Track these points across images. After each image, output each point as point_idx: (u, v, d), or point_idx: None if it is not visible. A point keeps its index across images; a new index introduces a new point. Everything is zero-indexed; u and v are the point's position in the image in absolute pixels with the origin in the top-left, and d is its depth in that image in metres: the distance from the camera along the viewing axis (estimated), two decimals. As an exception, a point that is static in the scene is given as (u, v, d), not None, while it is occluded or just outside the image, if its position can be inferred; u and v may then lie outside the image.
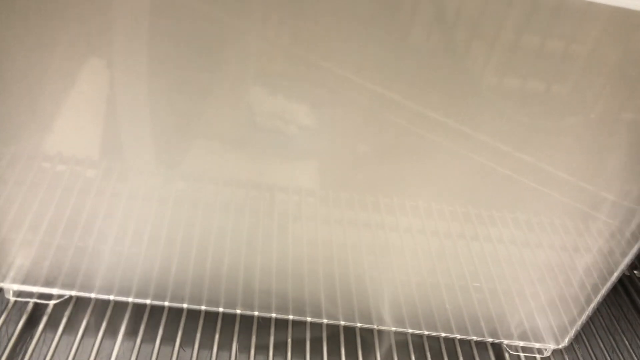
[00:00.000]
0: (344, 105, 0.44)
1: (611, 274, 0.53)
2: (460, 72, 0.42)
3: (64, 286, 0.57)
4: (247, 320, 0.59)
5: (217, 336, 0.57)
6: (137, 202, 0.50)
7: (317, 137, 0.45)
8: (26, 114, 0.45)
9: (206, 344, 0.56)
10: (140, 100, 0.44)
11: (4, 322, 0.55)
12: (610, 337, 0.65)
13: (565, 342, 0.60)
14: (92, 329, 0.56)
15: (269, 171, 0.48)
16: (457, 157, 0.46)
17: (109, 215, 0.51)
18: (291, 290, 0.57)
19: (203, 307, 0.58)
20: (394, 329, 0.60)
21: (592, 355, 0.62)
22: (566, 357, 0.62)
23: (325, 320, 0.60)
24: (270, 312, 0.59)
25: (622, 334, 0.65)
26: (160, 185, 0.49)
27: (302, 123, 0.45)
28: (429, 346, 0.60)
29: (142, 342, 0.55)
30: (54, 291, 0.57)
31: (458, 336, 0.61)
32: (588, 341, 0.64)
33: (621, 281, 0.72)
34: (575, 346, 0.63)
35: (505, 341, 0.61)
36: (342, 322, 0.60)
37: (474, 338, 0.61)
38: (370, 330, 0.60)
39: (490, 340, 0.61)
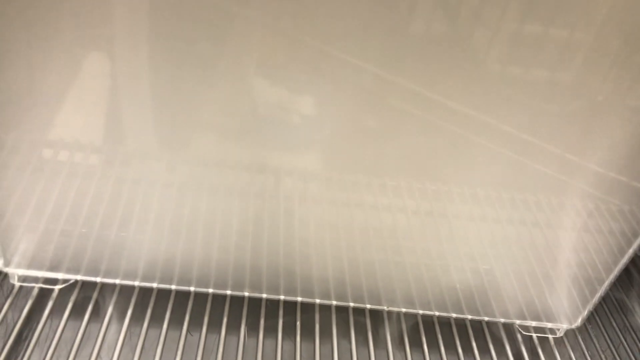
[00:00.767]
0: (346, 89, 0.43)
1: (623, 254, 0.52)
2: (465, 55, 0.41)
3: (69, 271, 0.56)
4: (255, 302, 0.59)
5: (225, 319, 0.57)
6: (141, 186, 0.49)
7: (321, 121, 0.45)
8: (28, 100, 0.44)
9: (214, 327, 0.56)
10: (143, 86, 0.43)
11: (10, 307, 0.55)
12: (624, 317, 0.64)
13: (578, 322, 0.59)
14: (98, 314, 0.55)
15: (273, 155, 0.47)
16: (462, 140, 0.45)
17: (113, 200, 0.50)
18: (299, 272, 0.56)
19: (210, 290, 0.58)
20: (404, 310, 0.59)
21: (605, 335, 0.62)
22: (579, 337, 0.61)
23: (334, 302, 0.59)
24: (279, 294, 0.58)
25: (634, 314, 0.65)
26: (165, 169, 0.48)
27: (304, 108, 0.44)
28: (440, 327, 0.60)
29: (149, 326, 0.55)
30: (59, 276, 0.57)
31: (469, 317, 0.60)
32: (601, 321, 0.63)
33: (633, 262, 0.71)
34: (588, 326, 0.62)
35: (518, 321, 0.60)
36: (352, 304, 0.59)
37: (485, 318, 0.60)
38: (380, 312, 0.60)
39: (502, 320, 0.60)
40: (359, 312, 0.60)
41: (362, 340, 0.57)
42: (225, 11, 0.39)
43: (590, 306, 0.57)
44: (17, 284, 0.56)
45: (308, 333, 0.57)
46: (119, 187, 0.49)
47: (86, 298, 0.56)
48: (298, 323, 0.57)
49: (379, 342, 0.57)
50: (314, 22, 0.40)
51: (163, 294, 0.58)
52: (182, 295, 0.58)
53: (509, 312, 0.59)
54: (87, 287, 0.57)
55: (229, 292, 0.58)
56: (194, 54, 0.41)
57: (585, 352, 0.60)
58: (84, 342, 0.53)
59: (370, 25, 0.39)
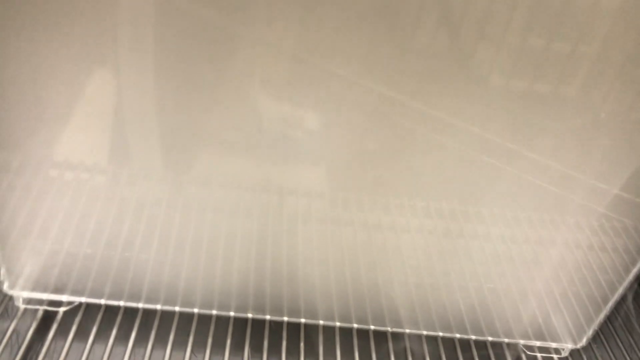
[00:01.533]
0: (351, 107, 0.43)
1: (628, 272, 0.52)
2: (468, 72, 0.41)
3: (74, 293, 0.56)
4: (258, 324, 0.59)
5: (228, 341, 0.57)
6: (145, 207, 0.50)
7: (325, 139, 0.45)
8: (34, 121, 0.45)
9: (218, 349, 0.56)
10: (148, 107, 0.44)
11: (15, 329, 0.55)
12: (629, 336, 0.64)
13: (583, 341, 0.59)
14: (102, 336, 0.55)
15: (278, 174, 0.47)
16: (466, 158, 0.45)
17: (117, 221, 0.51)
18: (303, 293, 0.56)
19: (214, 312, 0.58)
20: (407, 330, 0.59)
21: (611, 355, 0.61)
22: (584, 357, 0.61)
23: (337, 324, 0.59)
24: (282, 315, 0.58)
25: (640, 333, 0.64)
26: (169, 190, 0.48)
27: (309, 127, 0.44)
28: (444, 348, 0.59)
29: (153, 348, 0.55)
30: (64, 298, 0.57)
31: (473, 337, 0.60)
32: (607, 341, 0.63)
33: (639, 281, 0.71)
34: (594, 346, 0.62)
35: (522, 341, 0.60)
36: (355, 325, 0.59)
37: (490, 339, 0.60)
38: (384, 333, 0.60)
39: (506, 340, 0.60)
40: (362, 333, 0.59)
41: (367, 361, 0.57)
42: (230, 32, 0.40)
43: (595, 325, 0.57)
44: (22, 306, 0.57)
45: (312, 355, 0.57)
46: (124, 207, 0.50)
47: (90, 320, 0.56)
48: (302, 344, 0.57)
49: (384, 363, 0.57)
50: (317, 42, 0.40)
51: (167, 316, 0.58)
52: (186, 317, 0.58)
53: (513, 332, 0.59)
54: (91, 309, 0.57)
55: (232, 313, 0.58)
56: (198, 75, 0.42)
57: (591, 372, 0.60)
58: (88, 364, 0.53)
59: (374, 43, 0.40)
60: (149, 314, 0.58)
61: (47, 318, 0.56)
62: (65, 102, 0.43)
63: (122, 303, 0.57)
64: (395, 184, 0.48)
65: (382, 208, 0.49)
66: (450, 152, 0.45)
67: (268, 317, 0.58)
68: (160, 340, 0.56)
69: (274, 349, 0.57)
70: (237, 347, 0.56)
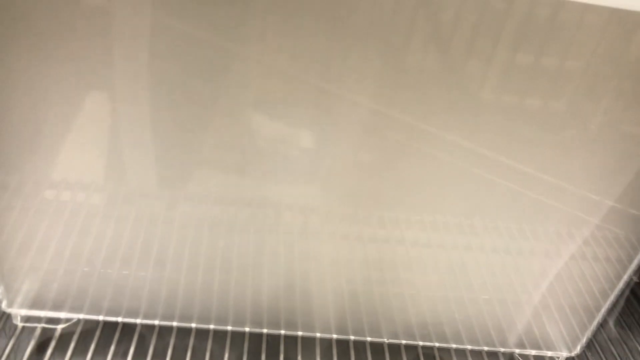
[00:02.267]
0: (344, 123, 0.44)
1: (619, 279, 0.53)
2: (458, 87, 0.42)
3: (72, 310, 0.57)
4: (256, 338, 0.59)
5: (226, 355, 0.57)
6: (142, 224, 0.50)
7: (319, 155, 0.45)
8: (30, 142, 0.45)
9: (216, 363, 0.56)
10: (144, 125, 0.44)
11: (12, 348, 0.55)
12: (623, 344, 0.64)
13: (577, 349, 0.59)
14: (101, 352, 0.55)
15: (273, 190, 0.48)
16: (459, 171, 0.46)
17: (115, 238, 0.51)
18: (300, 306, 0.56)
19: (212, 326, 0.58)
20: (404, 342, 0.60)
21: (605, 362, 0.62)
22: (579, 365, 0.61)
23: (334, 336, 0.59)
24: (280, 329, 0.59)
25: (634, 341, 0.65)
26: (165, 207, 0.49)
27: (303, 143, 0.45)
28: (440, 358, 0.60)
29: (151, 363, 0.55)
30: (62, 315, 0.57)
31: (469, 347, 0.60)
32: (601, 348, 0.63)
33: (632, 289, 0.72)
34: (588, 354, 0.62)
35: (517, 350, 0.60)
36: (352, 337, 0.59)
37: (485, 348, 0.60)
38: (381, 344, 0.60)
39: (502, 349, 0.60)
40: (359, 345, 0.60)
41: (364, 373, 0.57)
42: (224, 51, 0.40)
43: (588, 333, 0.57)
44: (20, 325, 0.57)
45: (309, 367, 0.57)
46: (121, 225, 0.50)
47: (89, 336, 0.57)
48: (299, 358, 0.58)
49: (381, 375, 0.58)
50: (310, 60, 0.41)
51: (165, 331, 0.58)
52: (184, 332, 0.58)
53: (508, 341, 0.59)
54: (89, 325, 0.58)
55: (229, 327, 0.58)
56: (193, 92, 0.42)
57: (586, 380, 0.60)
58: (87, 381, 0.53)
59: (366, 60, 0.40)
60: (147, 329, 0.58)
61: (45, 336, 0.56)
62: (61, 122, 0.44)
63: (120, 319, 0.57)
64: (390, 198, 0.48)
65: (376, 222, 0.49)
66: (443, 166, 0.45)
67: (265, 330, 0.59)
68: (159, 356, 0.56)
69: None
70: (235, 361, 0.57)
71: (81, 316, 0.57)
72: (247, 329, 0.58)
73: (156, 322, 0.58)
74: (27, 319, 0.57)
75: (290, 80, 0.41)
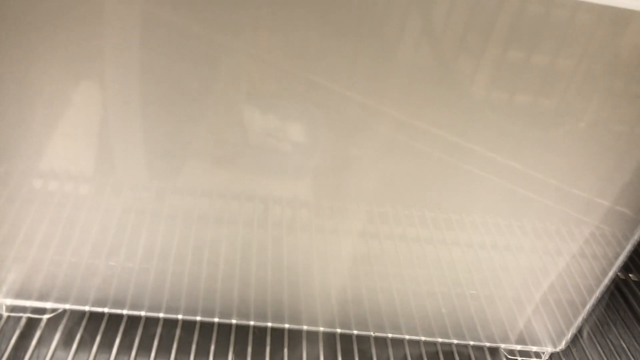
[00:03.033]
0: (335, 118, 0.44)
1: (605, 275, 0.53)
2: (449, 82, 0.42)
3: (58, 300, 0.56)
4: (243, 330, 0.59)
5: (212, 347, 0.57)
6: (130, 216, 0.50)
7: (309, 150, 0.45)
8: (18, 131, 0.44)
9: (202, 356, 0.56)
10: (133, 116, 0.44)
11: (-3, 337, 0.55)
12: (608, 340, 0.65)
13: (562, 345, 0.60)
14: (86, 343, 0.55)
15: (262, 184, 0.47)
16: (449, 167, 0.46)
17: (102, 230, 0.51)
18: (287, 299, 0.56)
19: (198, 318, 0.58)
20: (390, 335, 0.60)
21: (590, 357, 0.62)
22: (563, 360, 0.62)
23: (321, 329, 0.59)
24: (266, 321, 0.59)
25: (619, 337, 0.65)
26: (154, 199, 0.48)
27: (293, 137, 0.45)
28: (426, 351, 0.60)
29: (137, 355, 0.55)
30: (48, 305, 0.56)
31: (455, 341, 0.60)
32: (586, 344, 0.64)
33: (617, 285, 0.72)
34: (573, 349, 0.63)
35: (503, 345, 0.61)
36: (339, 330, 0.60)
37: (471, 343, 0.61)
38: (367, 338, 0.60)
39: (488, 344, 0.61)
40: (345, 338, 0.60)
41: (350, 366, 0.58)
42: (215, 44, 0.40)
43: (573, 329, 0.58)
44: (5, 314, 0.56)
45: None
46: (109, 216, 0.50)
47: (74, 327, 0.56)
48: (285, 350, 0.58)
49: (366, 368, 0.58)
50: (302, 54, 0.40)
51: (151, 323, 0.58)
52: (170, 324, 0.58)
53: (494, 336, 0.60)
54: (75, 315, 0.57)
55: (216, 319, 0.58)
56: (183, 84, 0.42)
57: (570, 375, 0.61)
58: (73, 372, 0.53)
59: (357, 55, 0.40)
60: (133, 320, 0.58)
61: (31, 326, 0.56)
62: (50, 112, 0.43)
63: (106, 310, 0.57)
64: (378, 192, 0.48)
65: (365, 216, 0.49)
66: (433, 161, 0.45)
67: (252, 322, 0.59)
68: (144, 347, 0.56)
69: (258, 354, 0.57)
70: (221, 353, 0.56)
71: (67, 306, 0.57)
72: (234, 321, 0.58)
73: (142, 314, 0.58)
74: (13, 308, 0.57)
75: (281, 73, 0.41)
